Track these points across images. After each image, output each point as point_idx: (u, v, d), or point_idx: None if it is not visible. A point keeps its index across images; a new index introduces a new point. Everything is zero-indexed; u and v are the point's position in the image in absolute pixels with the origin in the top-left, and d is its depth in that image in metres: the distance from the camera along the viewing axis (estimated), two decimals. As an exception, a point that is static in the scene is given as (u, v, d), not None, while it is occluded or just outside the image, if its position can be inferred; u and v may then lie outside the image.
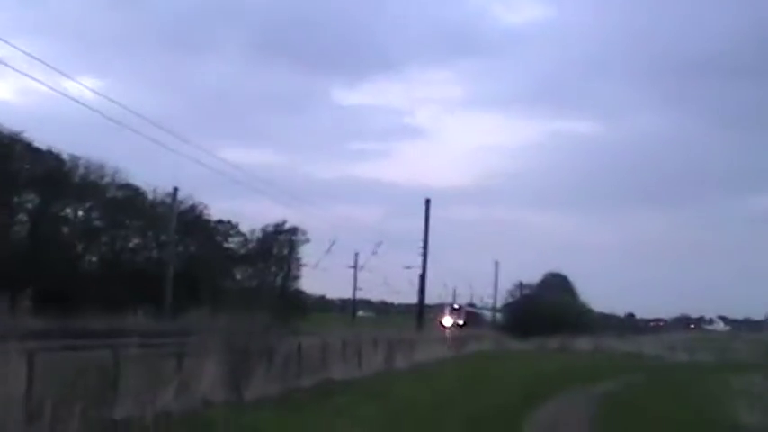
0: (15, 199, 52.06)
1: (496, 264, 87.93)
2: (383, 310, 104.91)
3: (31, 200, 54.19)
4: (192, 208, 64.27)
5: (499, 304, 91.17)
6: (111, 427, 13.16)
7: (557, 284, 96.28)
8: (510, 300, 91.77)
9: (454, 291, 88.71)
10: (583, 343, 62.76)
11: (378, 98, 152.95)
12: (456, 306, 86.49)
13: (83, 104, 25.55)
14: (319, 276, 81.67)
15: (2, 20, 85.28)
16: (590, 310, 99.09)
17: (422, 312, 60.47)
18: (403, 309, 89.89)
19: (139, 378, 14.85)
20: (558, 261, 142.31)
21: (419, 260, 60.10)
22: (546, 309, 77.34)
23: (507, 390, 25.29)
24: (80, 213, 56.88)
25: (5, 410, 11.76)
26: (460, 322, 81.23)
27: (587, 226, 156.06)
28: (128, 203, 59.18)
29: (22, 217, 53.19)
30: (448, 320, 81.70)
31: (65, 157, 54.73)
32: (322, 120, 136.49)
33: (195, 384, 16.75)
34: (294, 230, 70.59)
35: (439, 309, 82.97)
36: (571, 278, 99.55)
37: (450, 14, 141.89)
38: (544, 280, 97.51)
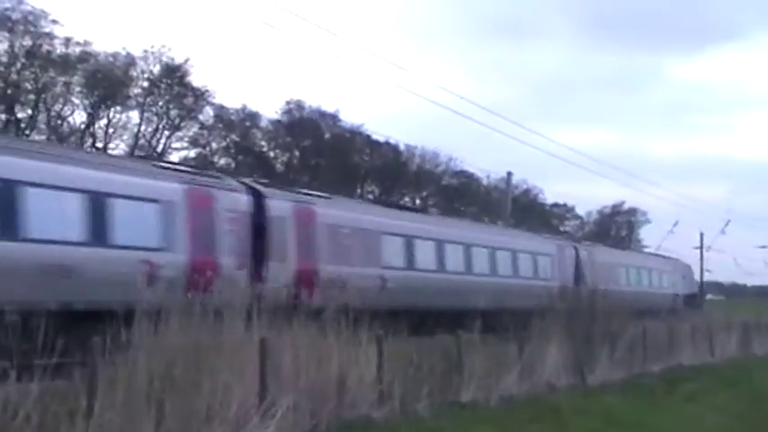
0: (358, 190, 55.40)
1: None
2: (735, 292, 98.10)
3: (371, 190, 57.44)
4: (527, 192, 64.53)
5: None
6: (458, 409, 13.25)
7: None
8: None
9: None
10: None
11: (718, 69, 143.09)
12: None
13: (418, 95, 26.39)
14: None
15: (338, 18, 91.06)
16: None
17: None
18: (757, 291, 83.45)
19: (483, 363, 14.85)
20: None
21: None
22: None
23: None
24: (417, 201, 59.29)
25: (359, 391, 12.19)
26: None
27: None
28: (463, 190, 60.67)
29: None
30: None
31: (401, 147, 57.38)
32: (658, 96, 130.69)
33: (538, 369, 16.49)
34: (633, 211, 68.62)
35: None
36: None
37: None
38: None
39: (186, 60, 50.33)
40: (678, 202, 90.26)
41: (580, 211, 71.49)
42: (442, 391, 13.58)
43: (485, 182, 62.10)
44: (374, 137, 55.42)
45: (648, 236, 68.42)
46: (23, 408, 7.98)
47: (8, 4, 42.10)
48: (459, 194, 60.55)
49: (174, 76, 50.24)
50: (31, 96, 45.69)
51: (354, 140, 56.17)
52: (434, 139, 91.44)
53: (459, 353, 14.57)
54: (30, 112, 46.16)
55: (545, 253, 31.33)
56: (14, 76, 44.34)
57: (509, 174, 51.78)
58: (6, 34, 42.82)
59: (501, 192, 54.83)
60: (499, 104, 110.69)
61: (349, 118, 56.63)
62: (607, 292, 30.93)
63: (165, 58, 49.48)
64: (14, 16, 42.59)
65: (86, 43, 46.45)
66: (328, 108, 56.23)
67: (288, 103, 56.50)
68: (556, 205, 68.93)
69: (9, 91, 44.12)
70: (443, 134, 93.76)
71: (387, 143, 56.14)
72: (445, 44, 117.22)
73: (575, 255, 33.49)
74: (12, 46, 43.42)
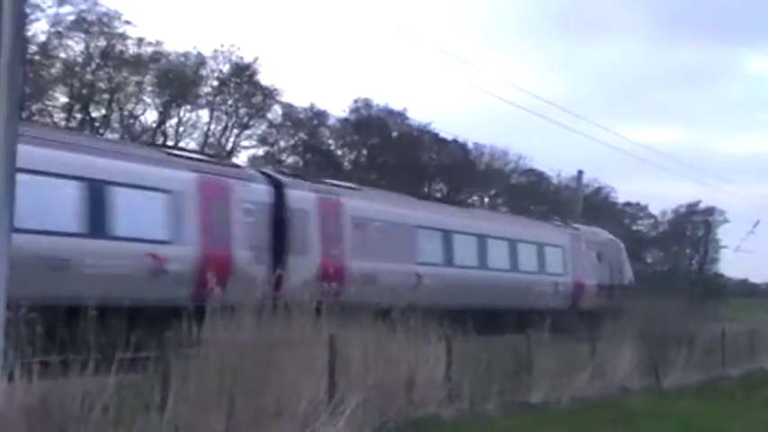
0: (425, 189, 55.29)
1: None
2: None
3: (439, 188, 57.24)
4: (598, 191, 63.60)
5: None
6: (528, 410, 13.08)
7: None
8: None
9: None
10: None
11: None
12: None
13: (488, 93, 26.03)
14: (742, 259, 75.51)
15: (406, 16, 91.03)
16: None
17: None
18: None
19: (554, 363, 14.64)
20: None
21: None
22: None
23: None
24: (486, 200, 58.87)
25: (428, 390, 12.11)
26: None
27: None
28: (532, 189, 60.03)
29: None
30: None
31: (470, 145, 57.06)
32: (734, 91, 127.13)
33: (611, 370, 16.19)
34: (710, 211, 67.13)
35: None
36: None
37: None
38: None
39: (255, 59, 50.80)
40: (759, 201, 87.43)
41: (654, 210, 70.17)
42: (512, 391, 13.42)
43: (555, 180, 61.47)
44: (442, 135, 55.32)
45: (727, 236, 66.69)
46: (101, 400, 8.08)
47: (84, 6, 43.08)
48: (529, 193, 59.99)
49: (243, 75, 50.74)
50: (105, 96, 46.64)
51: (422, 139, 56.07)
52: (503, 137, 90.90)
53: (530, 352, 14.37)
54: (104, 111, 47.12)
55: (148, 186, 16.43)
56: (90, 77, 45.33)
57: (580, 172, 51.17)
58: (82, 35, 43.82)
59: (571, 190, 54.11)
60: (569, 101, 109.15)
61: (417, 116, 56.63)
62: (369, 274, 19.11)
63: (234, 58, 50.02)
64: (90, 18, 43.54)
65: (158, 43, 47.26)
66: (396, 106, 56.21)
67: (355, 101, 56.64)
68: (628, 204, 67.79)
69: (84, 91, 45.12)
70: (512, 132, 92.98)
71: (455, 141, 55.91)
72: (514, 40, 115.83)
73: (271, 199, 18.81)
74: (87, 47, 44.40)
